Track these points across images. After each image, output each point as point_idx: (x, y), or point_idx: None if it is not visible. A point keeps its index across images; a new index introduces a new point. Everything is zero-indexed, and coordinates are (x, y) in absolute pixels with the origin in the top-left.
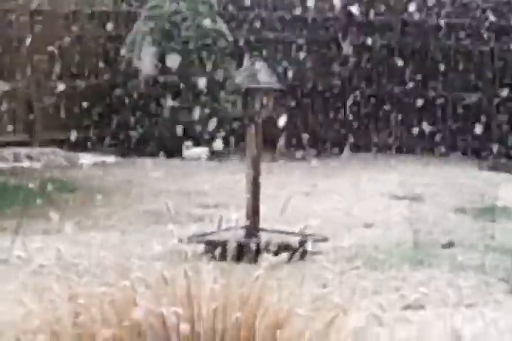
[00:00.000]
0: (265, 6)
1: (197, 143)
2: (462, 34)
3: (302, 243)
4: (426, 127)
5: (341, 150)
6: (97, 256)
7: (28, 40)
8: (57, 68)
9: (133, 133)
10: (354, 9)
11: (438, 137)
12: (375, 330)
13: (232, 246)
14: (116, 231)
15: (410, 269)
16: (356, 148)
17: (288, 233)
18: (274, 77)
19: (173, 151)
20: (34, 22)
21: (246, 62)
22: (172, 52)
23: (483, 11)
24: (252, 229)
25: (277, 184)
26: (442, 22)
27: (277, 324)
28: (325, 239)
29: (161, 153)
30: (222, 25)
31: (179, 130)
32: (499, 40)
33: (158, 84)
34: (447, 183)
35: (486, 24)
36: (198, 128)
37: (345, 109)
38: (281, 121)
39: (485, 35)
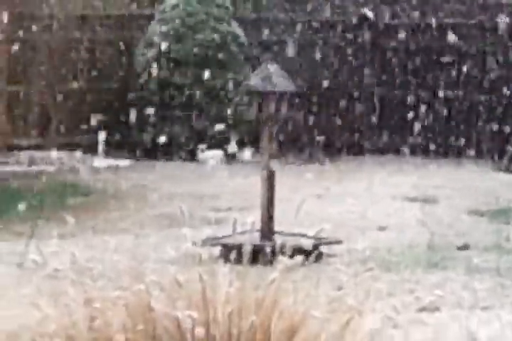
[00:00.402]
0: (279, 9)
1: (212, 146)
2: (473, 34)
3: (317, 246)
4: (439, 129)
5: (354, 153)
6: (112, 260)
7: (43, 44)
8: (71, 71)
9: (147, 137)
10: (368, 12)
11: (451, 139)
12: (390, 332)
13: (247, 249)
14: (131, 235)
15: (425, 271)
16: (369, 151)
17: (303, 236)
18: (288, 79)
19: (188, 154)
20: (48, 26)
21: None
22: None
23: (495, 11)
24: (267, 232)
25: (291, 187)
26: (452, 22)
27: (293, 327)
28: (339, 242)
29: (176, 156)
30: (236, 28)
31: (194, 133)
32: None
33: (172, 87)
34: (461, 185)
35: (500, 25)
36: (213, 131)
37: (357, 112)
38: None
39: (498, 36)
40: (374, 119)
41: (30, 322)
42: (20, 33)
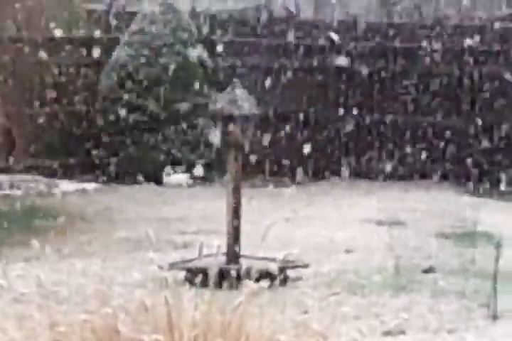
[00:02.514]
0: (247, 33)
1: (178, 170)
2: (445, 58)
3: (283, 269)
4: (406, 152)
5: (322, 177)
6: (78, 284)
7: (8, 66)
8: (37, 94)
9: (114, 160)
10: (334, 36)
11: (418, 162)
12: None
13: (213, 273)
14: (97, 259)
15: (391, 295)
16: (337, 175)
17: (269, 259)
18: (254, 103)
19: (154, 178)
20: (14, 48)
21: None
22: (152, 78)
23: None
24: (233, 255)
25: (259, 210)
26: (427, 46)
27: None
28: (306, 265)
29: (142, 179)
30: (202, 52)
31: (160, 156)
32: (480, 64)
33: (138, 110)
34: (428, 208)
35: (468, 48)
36: (179, 154)
37: (325, 136)
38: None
39: (466, 60)
40: (342, 143)
41: None
42: None
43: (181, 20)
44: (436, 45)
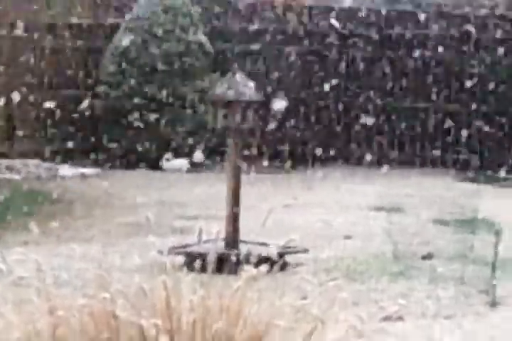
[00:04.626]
0: (246, 18)
1: (177, 155)
2: (441, 45)
3: (282, 255)
4: (404, 139)
5: (321, 163)
6: (77, 268)
7: (7, 52)
8: (37, 80)
9: (113, 145)
10: (334, 21)
11: (417, 149)
12: None
13: (212, 258)
14: (97, 243)
15: (390, 281)
16: (335, 161)
17: (268, 245)
18: (254, 88)
19: (154, 163)
20: (13, 34)
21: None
22: (152, 64)
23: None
24: (232, 240)
25: (258, 196)
26: (422, 33)
27: (257, 335)
28: (305, 251)
29: (142, 164)
30: (203, 37)
31: (159, 141)
32: (477, 51)
33: (139, 95)
34: (426, 195)
35: (467, 36)
36: (179, 140)
37: (324, 121)
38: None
39: (463, 47)
40: (340, 129)
41: None
42: None
43: (182, 6)
44: (436, 32)
